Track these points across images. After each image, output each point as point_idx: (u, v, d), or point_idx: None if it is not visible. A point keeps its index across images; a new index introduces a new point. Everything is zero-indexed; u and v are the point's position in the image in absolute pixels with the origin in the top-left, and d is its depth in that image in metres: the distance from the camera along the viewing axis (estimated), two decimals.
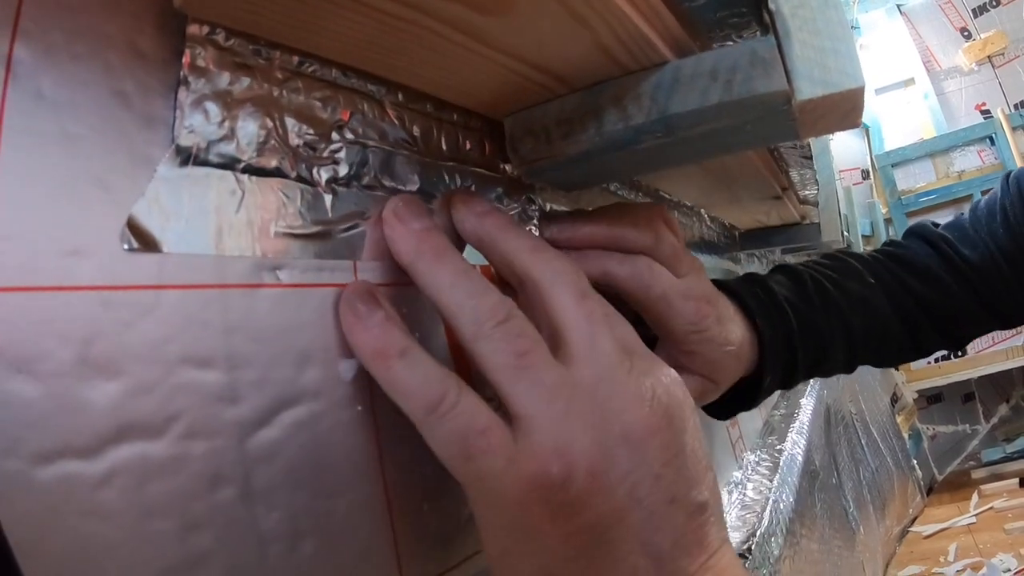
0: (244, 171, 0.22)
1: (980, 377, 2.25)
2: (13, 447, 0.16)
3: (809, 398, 1.26)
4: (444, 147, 0.33)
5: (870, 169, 2.30)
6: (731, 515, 0.64)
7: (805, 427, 1.03)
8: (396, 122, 0.30)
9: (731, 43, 0.31)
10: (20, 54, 0.18)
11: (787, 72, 0.26)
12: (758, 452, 0.89)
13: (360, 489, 0.25)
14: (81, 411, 0.17)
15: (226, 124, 0.22)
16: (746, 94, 0.28)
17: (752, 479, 0.77)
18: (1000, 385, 2.33)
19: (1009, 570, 1.49)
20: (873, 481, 1.63)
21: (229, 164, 0.22)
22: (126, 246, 0.18)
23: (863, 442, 1.66)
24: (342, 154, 0.26)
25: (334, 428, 0.24)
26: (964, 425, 2.35)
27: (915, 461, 2.04)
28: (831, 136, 1.85)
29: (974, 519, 1.82)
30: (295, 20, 0.23)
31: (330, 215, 0.25)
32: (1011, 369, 2.20)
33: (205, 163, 0.21)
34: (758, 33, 0.30)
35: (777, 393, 1.25)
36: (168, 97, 0.21)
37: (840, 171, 1.96)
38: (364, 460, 0.26)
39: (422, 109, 0.31)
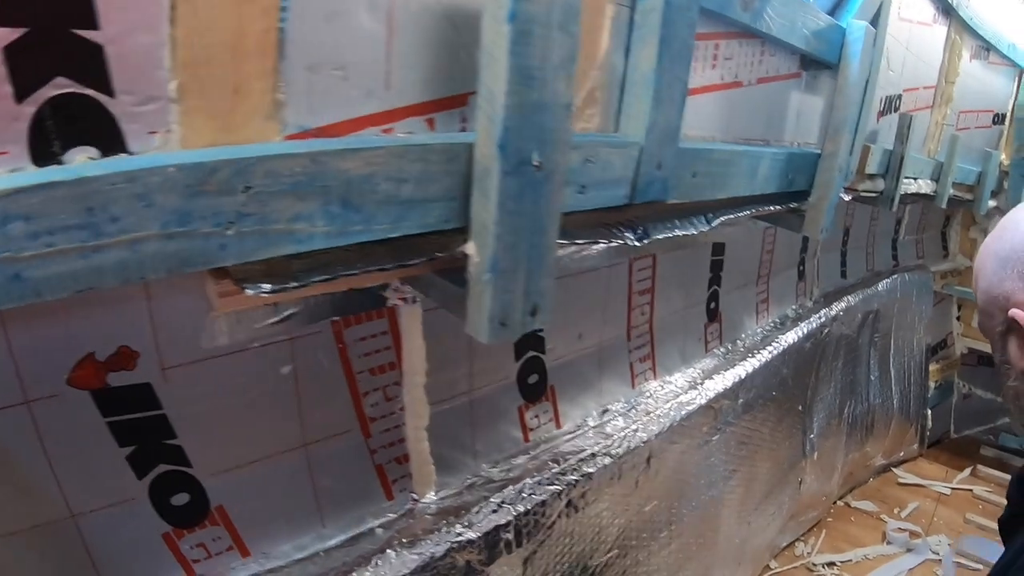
0: None
1: None
2: None
3: (794, 334, 1.48)
4: None
5: (1008, 115, 2.08)
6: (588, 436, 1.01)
7: (746, 371, 1.31)
8: None
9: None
10: None
11: (470, 318, 0.54)
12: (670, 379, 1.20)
13: None
14: None
15: None
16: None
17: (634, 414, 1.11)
18: None
19: (936, 553, 1.73)
20: (865, 415, 1.87)
21: None
22: None
23: (871, 378, 1.87)
24: None
25: None
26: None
27: (929, 410, 2.18)
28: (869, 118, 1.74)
29: (949, 491, 2.01)
30: None
31: None
32: None
33: None
34: None
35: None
36: None
37: (962, 111, 1.85)
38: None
39: None
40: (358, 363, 0.73)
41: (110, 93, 0.40)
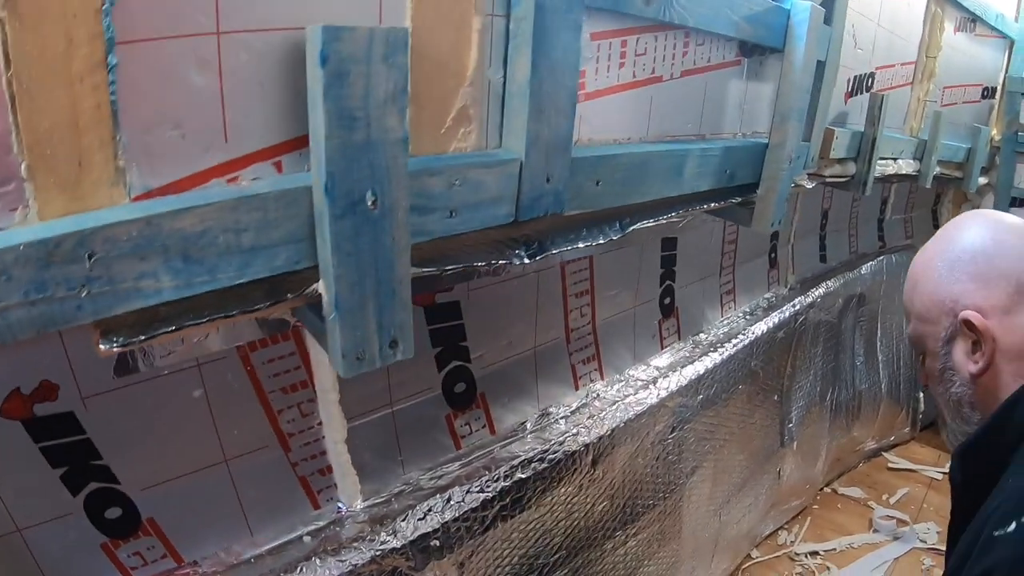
0: None
1: None
2: None
3: (764, 324, 1.51)
4: None
5: (998, 88, 2.04)
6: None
7: (705, 367, 1.34)
8: None
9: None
10: None
11: (329, 351, 0.60)
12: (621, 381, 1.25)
13: None
14: None
15: None
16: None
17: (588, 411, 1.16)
18: None
19: (924, 541, 1.74)
20: (850, 400, 1.89)
21: None
22: None
23: (856, 363, 1.88)
24: None
25: None
26: None
27: (922, 393, 2.18)
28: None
29: (941, 476, 2.01)
30: None
31: None
32: None
33: None
34: None
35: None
36: None
37: (947, 86, 1.83)
38: None
39: None
40: (269, 383, 0.80)
41: None
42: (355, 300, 0.57)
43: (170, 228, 0.50)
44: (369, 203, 0.55)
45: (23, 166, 0.48)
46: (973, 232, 0.74)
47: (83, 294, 0.48)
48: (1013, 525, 0.57)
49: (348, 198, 0.54)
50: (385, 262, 0.58)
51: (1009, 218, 0.75)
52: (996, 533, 0.58)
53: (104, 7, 0.48)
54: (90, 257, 0.48)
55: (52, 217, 0.49)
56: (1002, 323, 0.69)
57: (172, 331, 0.52)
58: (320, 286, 0.57)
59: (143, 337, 0.51)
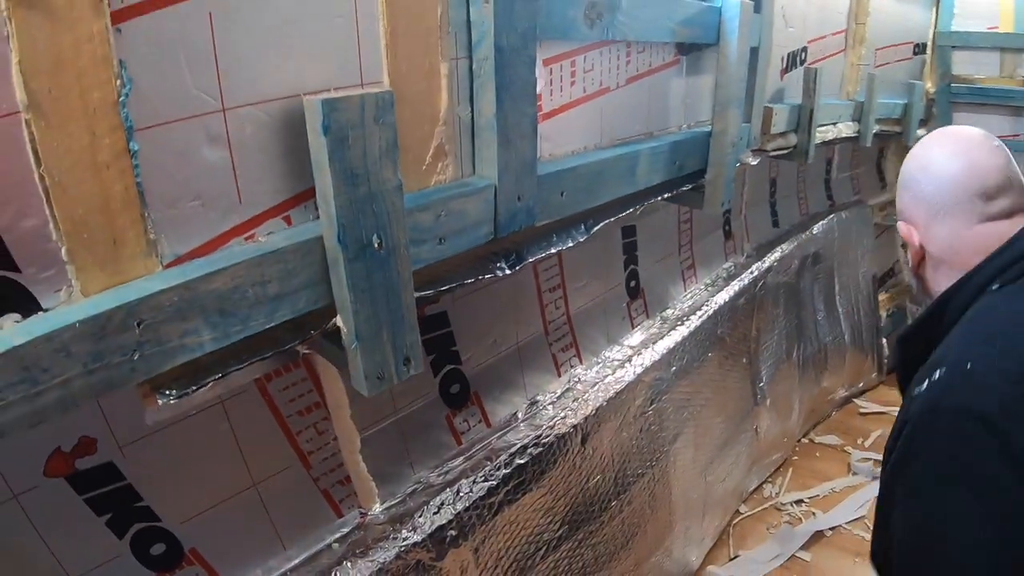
0: None
1: None
2: None
3: (725, 293, 1.64)
4: None
5: (928, 44, 2.19)
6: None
7: (674, 340, 1.46)
8: None
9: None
10: None
11: (352, 375, 0.69)
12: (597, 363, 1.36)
13: None
14: None
15: None
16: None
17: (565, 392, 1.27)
18: None
19: None
20: (816, 354, 2.04)
21: None
22: None
23: (818, 318, 2.03)
24: None
25: None
26: None
27: (885, 339, 2.34)
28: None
29: None
30: None
31: None
32: None
33: None
34: None
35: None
36: None
37: (879, 48, 1.97)
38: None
39: None
40: (286, 408, 0.89)
41: (17, 270, 0.53)
42: (372, 329, 0.66)
43: (206, 290, 0.58)
44: (376, 245, 0.64)
45: (63, 250, 0.54)
46: (923, 156, 0.89)
47: (135, 357, 0.56)
48: (925, 383, 0.68)
49: (358, 244, 0.63)
50: (394, 293, 0.67)
51: (954, 142, 0.86)
52: (914, 392, 0.70)
53: (120, 100, 0.55)
54: (139, 324, 0.55)
55: (94, 292, 0.57)
56: (925, 236, 0.87)
57: (219, 378, 0.60)
58: (339, 320, 0.66)
59: (194, 388, 0.59)
